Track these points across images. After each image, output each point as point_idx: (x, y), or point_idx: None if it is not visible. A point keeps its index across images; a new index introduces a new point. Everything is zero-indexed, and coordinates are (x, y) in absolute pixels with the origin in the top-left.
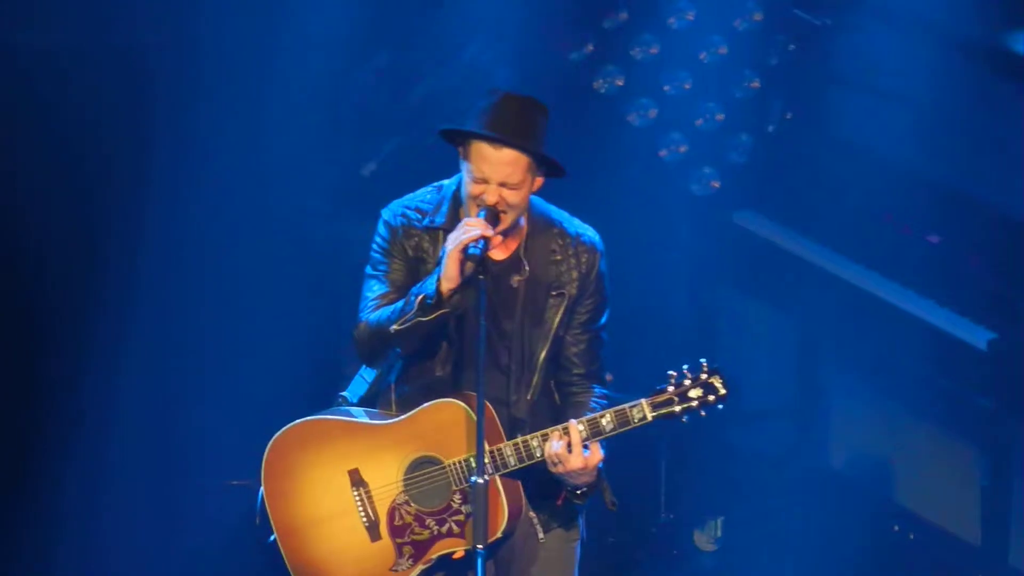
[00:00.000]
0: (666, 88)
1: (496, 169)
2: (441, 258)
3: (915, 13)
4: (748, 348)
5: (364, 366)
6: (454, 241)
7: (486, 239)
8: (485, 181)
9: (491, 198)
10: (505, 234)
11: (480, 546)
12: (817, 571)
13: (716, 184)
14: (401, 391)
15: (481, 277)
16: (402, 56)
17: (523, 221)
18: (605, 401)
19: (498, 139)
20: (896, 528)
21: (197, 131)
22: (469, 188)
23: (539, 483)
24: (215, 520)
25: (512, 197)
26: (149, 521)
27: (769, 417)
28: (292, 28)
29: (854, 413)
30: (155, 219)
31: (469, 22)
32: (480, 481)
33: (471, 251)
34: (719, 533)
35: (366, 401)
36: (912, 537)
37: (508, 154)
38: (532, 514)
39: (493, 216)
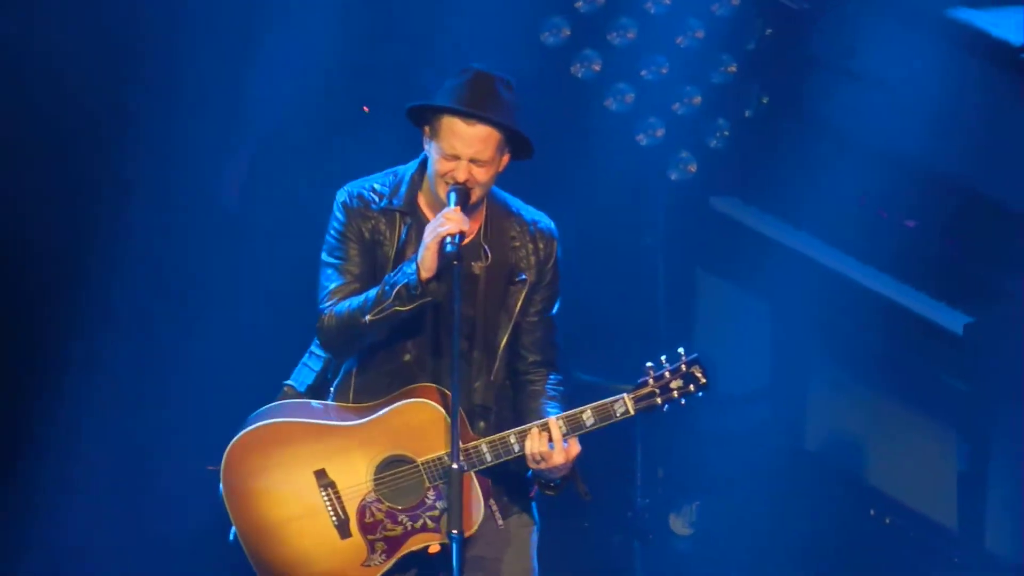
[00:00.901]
0: (643, 73)
1: (468, 145)
2: (420, 246)
3: None
4: (724, 332)
5: (308, 354)
6: (432, 232)
7: (463, 233)
8: (456, 157)
9: (461, 175)
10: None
11: (455, 531)
12: (793, 555)
13: (693, 168)
14: (363, 379)
15: (456, 263)
16: (378, 47)
17: (481, 206)
18: (562, 388)
19: (473, 114)
20: (872, 512)
21: (183, 126)
22: (438, 166)
23: (508, 477)
24: (191, 506)
25: (481, 175)
26: (124, 509)
27: (745, 401)
28: (283, 22)
29: (830, 398)
30: (133, 215)
31: (445, 7)
32: (455, 467)
33: (448, 248)
34: (695, 517)
35: (315, 391)
36: (888, 521)
37: (481, 130)
38: (492, 501)
39: (464, 196)
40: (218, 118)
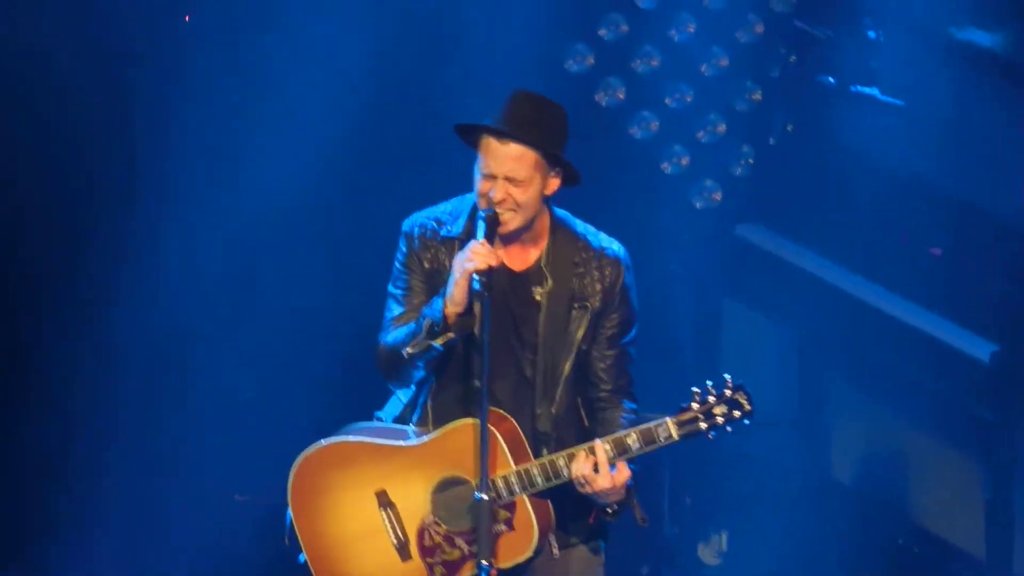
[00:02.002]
0: (668, 101)
1: (501, 163)
2: (448, 280)
3: (916, 23)
4: (751, 359)
5: None
6: (460, 265)
7: (491, 269)
8: (492, 176)
9: (498, 194)
10: (525, 244)
11: (484, 561)
12: None
13: (718, 196)
14: (439, 405)
15: (486, 295)
16: (401, 74)
17: (546, 231)
18: (635, 416)
19: (503, 132)
20: (900, 541)
21: (193, 128)
22: (477, 185)
23: (568, 501)
24: (219, 535)
25: (519, 195)
26: (148, 536)
27: (772, 429)
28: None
29: (857, 426)
30: (157, 224)
31: (470, 35)
32: (485, 498)
33: (474, 287)
34: (724, 547)
35: (401, 420)
36: (916, 551)
37: (513, 148)
38: (551, 531)
39: (492, 224)
40: (273, 127)
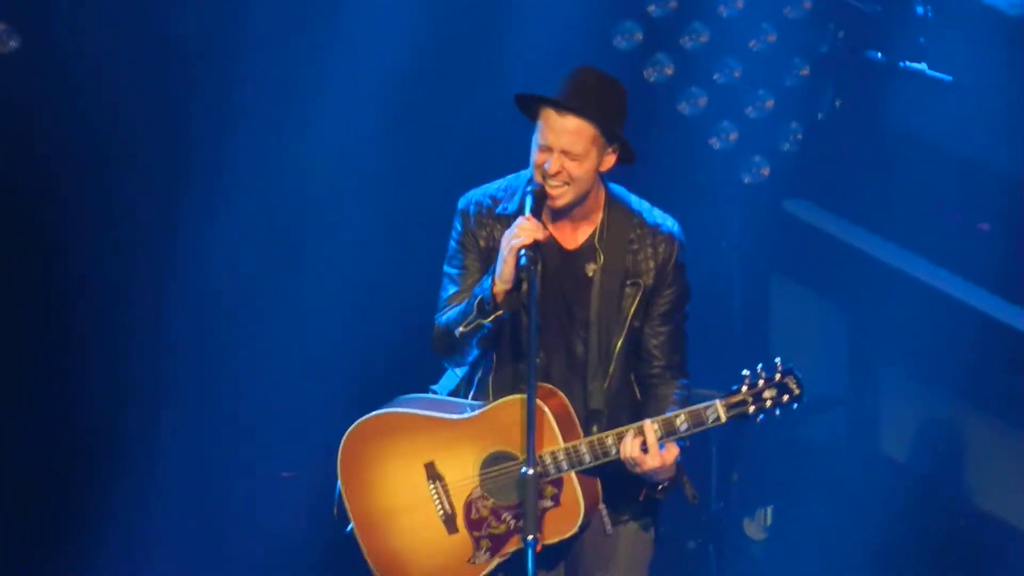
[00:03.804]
0: (716, 77)
1: (558, 137)
2: (496, 258)
3: None
4: (799, 336)
5: None
6: (508, 242)
7: (538, 243)
8: (548, 148)
9: (553, 167)
10: (578, 220)
11: (530, 536)
12: (868, 561)
13: (766, 172)
14: (498, 381)
15: (532, 270)
16: (449, 52)
17: (600, 208)
18: (687, 393)
19: (562, 104)
20: (950, 521)
21: (236, 125)
22: (533, 156)
23: (618, 479)
24: (266, 512)
25: (575, 168)
26: (198, 514)
27: (820, 406)
28: (337, 19)
29: (905, 402)
30: (202, 219)
31: (519, 13)
32: (531, 473)
33: (522, 261)
34: (769, 522)
35: (455, 395)
36: (967, 529)
37: (571, 121)
38: (602, 506)
39: (540, 199)
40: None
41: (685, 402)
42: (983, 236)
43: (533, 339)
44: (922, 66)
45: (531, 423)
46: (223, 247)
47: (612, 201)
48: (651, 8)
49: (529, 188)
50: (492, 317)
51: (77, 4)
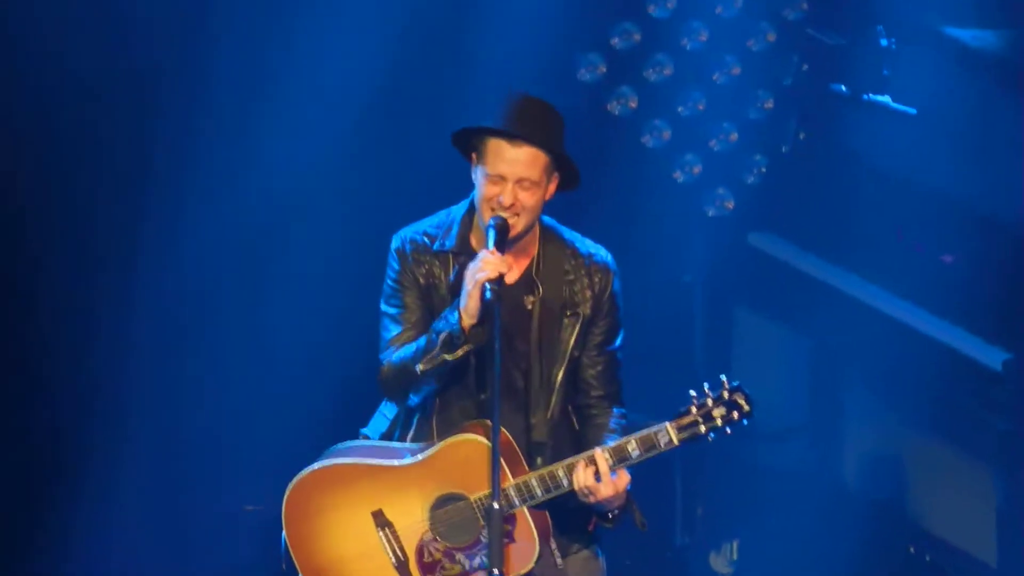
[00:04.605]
0: (680, 109)
1: (513, 167)
2: (459, 292)
3: (928, 30)
4: (762, 368)
5: (384, 402)
6: (472, 276)
7: (503, 276)
8: (502, 179)
9: (507, 198)
10: (516, 253)
11: (496, 571)
12: None
13: (730, 205)
14: (443, 419)
15: (496, 305)
16: (413, 81)
17: (533, 239)
18: (624, 421)
19: (518, 134)
20: (912, 549)
21: (207, 138)
22: (483, 190)
23: (566, 510)
24: (229, 546)
25: (528, 198)
26: (161, 546)
27: (784, 437)
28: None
29: (869, 433)
30: (166, 234)
31: (482, 44)
32: (495, 506)
33: (487, 296)
34: (735, 556)
35: (389, 439)
36: (928, 559)
37: (527, 151)
38: (552, 539)
39: (503, 232)
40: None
41: (625, 430)
42: (946, 268)
43: (496, 372)
44: (886, 98)
45: (496, 455)
46: (190, 258)
47: (546, 232)
48: (615, 41)
49: (492, 222)
50: (460, 352)
51: (41, 8)
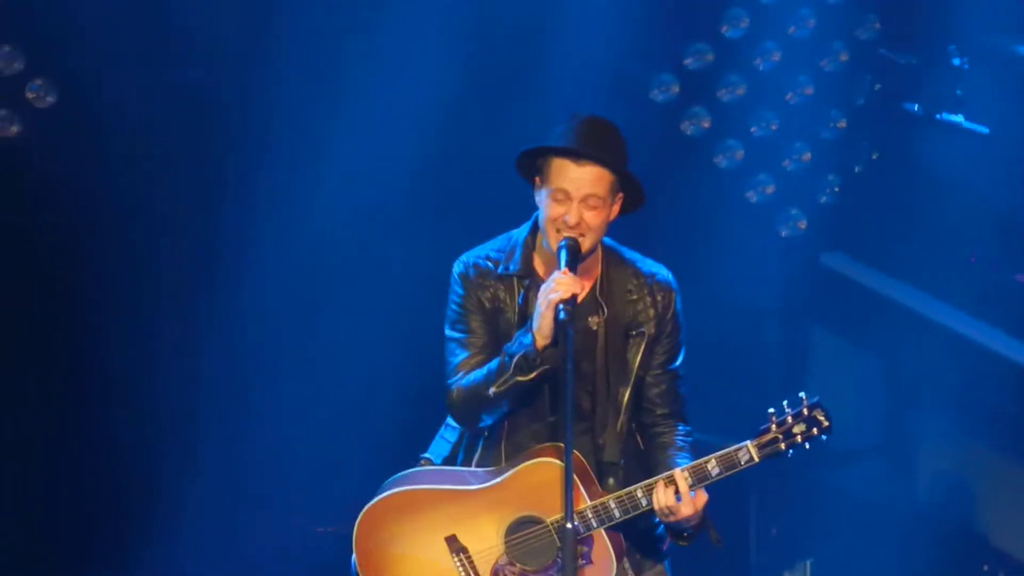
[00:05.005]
0: (753, 129)
1: (579, 185)
2: (528, 314)
3: (1000, 49)
4: (837, 388)
5: (444, 426)
6: (544, 299)
7: (575, 296)
8: (567, 197)
9: (573, 217)
10: (580, 274)
11: None
12: None
13: (803, 225)
14: (512, 442)
15: (569, 327)
16: (485, 103)
17: (596, 260)
18: (690, 439)
19: (584, 153)
20: (986, 568)
21: (272, 165)
22: (549, 211)
23: (640, 528)
24: (302, 568)
25: (593, 218)
26: (229, 569)
27: (858, 457)
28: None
29: (943, 453)
30: (232, 259)
31: (555, 65)
32: (568, 526)
33: (561, 316)
34: (808, 575)
35: (451, 462)
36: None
37: (592, 169)
38: (625, 559)
39: (574, 251)
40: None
41: (691, 448)
42: (1020, 287)
43: (570, 393)
44: (959, 117)
45: (569, 477)
46: (255, 283)
47: (607, 253)
48: (688, 61)
49: (563, 243)
50: (535, 374)
51: (107, 52)
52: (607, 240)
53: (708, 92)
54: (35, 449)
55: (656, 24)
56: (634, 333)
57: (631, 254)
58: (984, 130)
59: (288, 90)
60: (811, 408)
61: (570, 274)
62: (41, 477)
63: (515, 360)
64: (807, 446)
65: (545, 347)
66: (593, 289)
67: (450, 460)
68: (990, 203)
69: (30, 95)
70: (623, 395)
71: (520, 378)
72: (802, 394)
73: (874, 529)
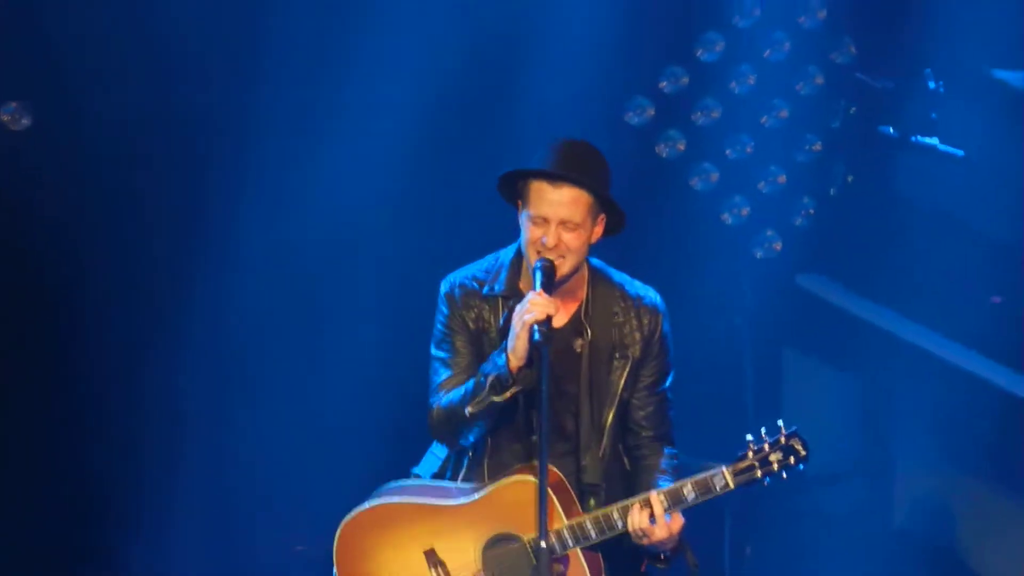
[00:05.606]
0: (728, 152)
1: (555, 208)
2: (508, 334)
3: (975, 73)
4: (812, 410)
5: (435, 443)
6: (519, 319)
7: (550, 318)
8: (545, 221)
9: (551, 239)
10: (564, 295)
11: None
12: None
13: (778, 247)
14: (495, 461)
15: (544, 348)
16: (460, 126)
17: (581, 281)
18: (676, 461)
19: (559, 175)
20: None
21: (259, 171)
22: (527, 233)
23: (619, 552)
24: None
25: (572, 240)
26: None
27: (834, 479)
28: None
29: (920, 476)
30: (218, 271)
31: (530, 89)
32: (543, 545)
33: (535, 337)
34: None
35: (439, 476)
36: None
37: (568, 192)
38: None
39: (549, 273)
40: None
41: (676, 470)
42: (996, 309)
43: (544, 414)
44: (934, 140)
45: (543, 496)
46: (241, 297)
47: (594, 275)
48: (663, 84)
49: (538, 264)
50: (509, 394)
51: (93, 54)
52: (595, 261)
53: (683, 115)
54: (19, 448)
55: (631, 47)
56: (619, 356)
57: (620, 276)
58: (959, 153)
59: (275, 94)
60: (789, 437)
61: (544, 295)
62: (26, 477)
63: (489, 380)
64: (784, 475)
65: (520, 368)
66: (578, 311)
67: (439, 476)
68: (964, 225)
69: (4, 117)
70: (606, 417)
71: (495, 398)
72: (780, 422)
73: (850, 552)
